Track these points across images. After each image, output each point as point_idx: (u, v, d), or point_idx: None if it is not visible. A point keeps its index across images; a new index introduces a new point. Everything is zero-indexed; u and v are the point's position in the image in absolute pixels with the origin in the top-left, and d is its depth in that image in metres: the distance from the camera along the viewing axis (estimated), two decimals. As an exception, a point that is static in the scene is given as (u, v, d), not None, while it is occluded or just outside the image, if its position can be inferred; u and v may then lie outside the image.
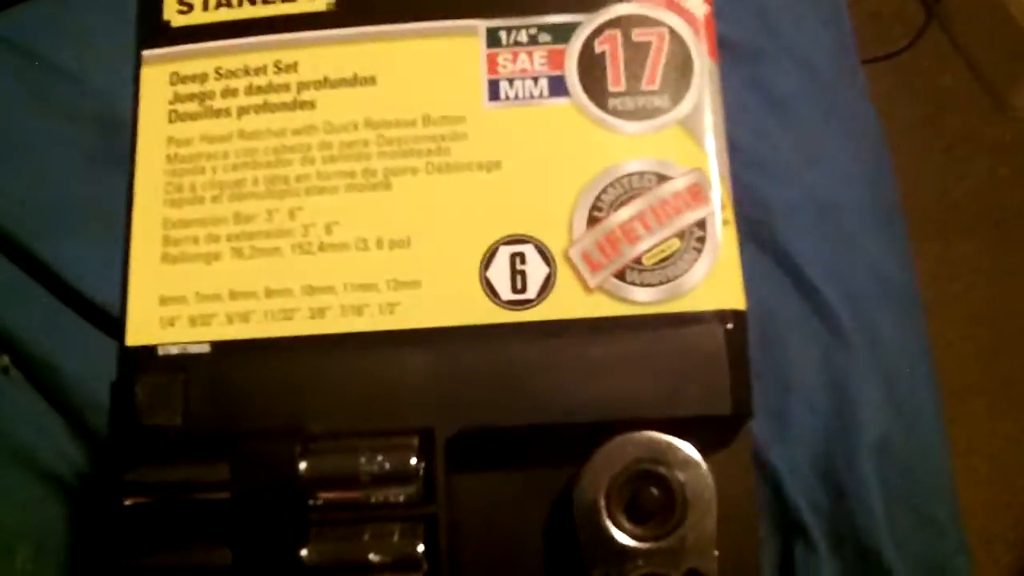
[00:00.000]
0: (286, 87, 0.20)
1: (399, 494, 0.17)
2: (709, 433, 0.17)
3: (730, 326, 0.17)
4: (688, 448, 0.16)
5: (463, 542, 0.17)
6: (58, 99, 0.21)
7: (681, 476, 0.16)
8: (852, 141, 0.24)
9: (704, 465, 0.16)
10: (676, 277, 0.18)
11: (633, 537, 0.16)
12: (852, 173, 0.23)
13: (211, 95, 0.20)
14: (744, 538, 0.17)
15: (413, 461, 0.16)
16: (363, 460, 0.16)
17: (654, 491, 0.16)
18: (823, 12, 0.25)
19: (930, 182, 0.52)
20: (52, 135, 0.21)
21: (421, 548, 0.16)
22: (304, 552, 0.16)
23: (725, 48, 0.20)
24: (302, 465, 0.17)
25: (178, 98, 0.20)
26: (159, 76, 0.20)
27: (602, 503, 0.16)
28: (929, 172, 0.53)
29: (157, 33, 0.20)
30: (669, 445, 0.16)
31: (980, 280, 0.52)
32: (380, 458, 0.16)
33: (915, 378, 0.22)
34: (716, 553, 0.16)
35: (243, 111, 0.20)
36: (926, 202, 0.52)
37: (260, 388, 0.17)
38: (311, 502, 0.17)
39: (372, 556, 0.16)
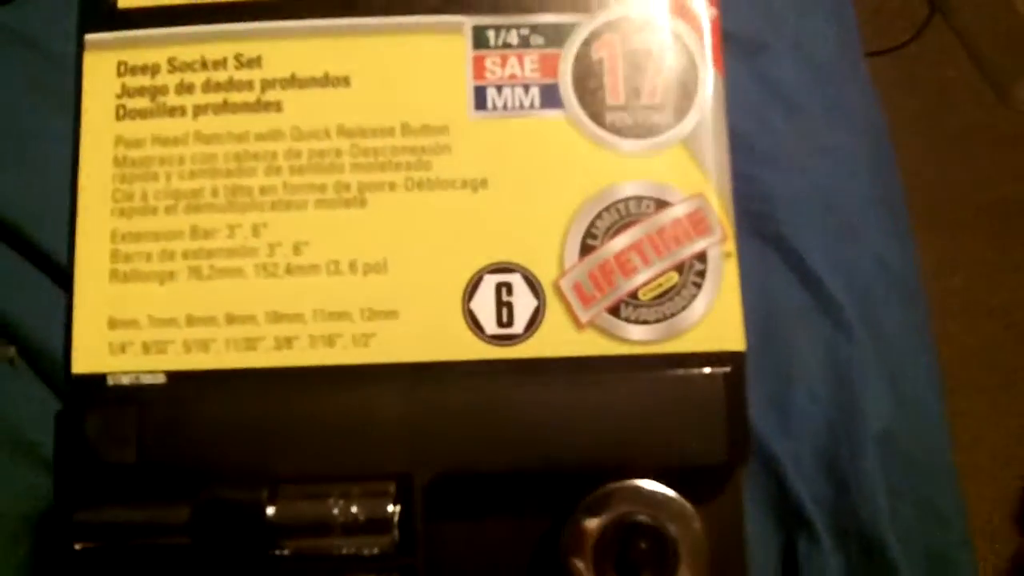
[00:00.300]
0: (249, 85, 0.18)
1: (374, 544, 0.16)
2: (701, 479, 0.16)
3: (728, 369, 0.16)
4: (680, 501, 0.15)
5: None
6: (61, 91, 0.19)
7: (673, 529, 0.15)
8: (856, 133, 0.23)
9: (697, 518, 0.15)
10: (674, 314, 0.17)
11: None
12: (856, 165, 0.23)
13: (164, 90, 0.18)
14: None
15: (390, 508, 0.15)
16: (335, 507, 0.15)
17: (644, 544, 0.15)
18: (827, 5, 0.24)
19: (933, 175, 0.52)
20: (54, 126, 0.19)
21: None
22: None
23: (729, 41, 0.19)
24: (269, 511, 0.15)
25: (126, 91, 0.18)
26: (105, 65, 0.18)
27: (590, 556, 0.15)
28: (932, 165, 0.52)
29: (102, 15, 0.18)
30: (661, 497, 0.15)
31: (983, 273, 0.52)
32: (354, 506, 0.15)
33: (918, 370, 0.22)
34: None
35: (200, 110, 0.18)
36: (929, 195, 0.51)
37: (221, 424, 0.16)
38: (279, 551, 0.16)
39: None
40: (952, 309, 0.49)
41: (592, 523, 0.15)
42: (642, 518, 0.15)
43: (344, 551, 0.16)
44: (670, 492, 0.15)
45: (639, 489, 0.16)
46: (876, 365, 0.21)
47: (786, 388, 0.20)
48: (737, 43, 0.21)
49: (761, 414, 0.18)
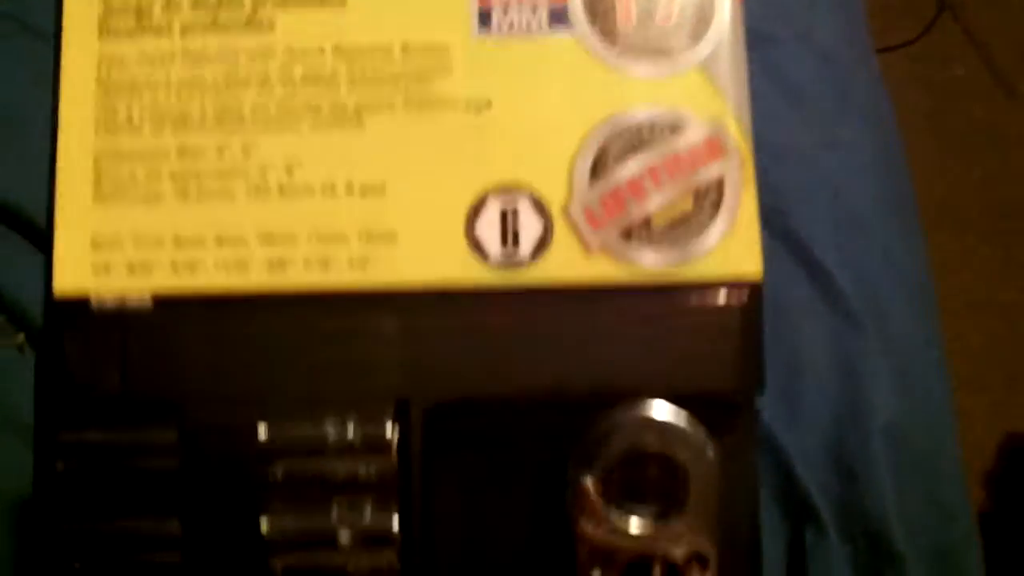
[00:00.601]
0: (239, 3, 0.17)
1: (371, 467, 0.15)
2: (713, 410, 0.15)
3: (745, 297, 0.15)
4: (693, 426, 0.15)
5: (440, 521, 0.15)
6: None
7: (684, 457, 0.14)
8: (866, 127, 0.23)
9: (710, 445, 0.15)
10: (687, 241, 0.16)
11: (631, 521, 0.15)
12: (865, 159, 0.23)
13: (149, 8, 0.17)
14: (746, 519, 0.16)
15: (387, 429, 0.15)
16: (330, 427, 0.14)
17: (654, 472, 0.14)
18: (836, -2, 0.25)
19: (941, 172, 0.52)
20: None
21: (396, 524, 0.14)
22: (264, 526, 0.14)
23: None
24: (261, 430, 0.14)
25: (109, 9, 0.17)
26: (89, -16, 0.17)
27: (598, 485, 0.14)
28: (940, 162, 0.52)
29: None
30: (672, 423, 0.15)
31: (991, 271, 0.52)
32: (350, 427, 0.14)
33: (926, 363, 0.21)
34: (719, 538, 0.15)
35: (187, 29, 0.17)
36: (937, 192, 0.51)
37: (210, 349, 0.15)
38: (271, 475, 0.15)
39: (341, 532, 0.14)
40: (959, 307, 0.48)
41: (600, 450, 0.15)
42: (652, 445, 0.14)
43: (339, 474, 0.15)
44: (683, 419, 0.15)
45: (651, 416, 0.15)
46: (884, 358, 0.21)
47: (793, 380, 0.20)
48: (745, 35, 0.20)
49: (768, 405, 0.18)
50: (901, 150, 0.24)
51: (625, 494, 0.14)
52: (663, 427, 0.15)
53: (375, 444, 0.15)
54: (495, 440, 0.15)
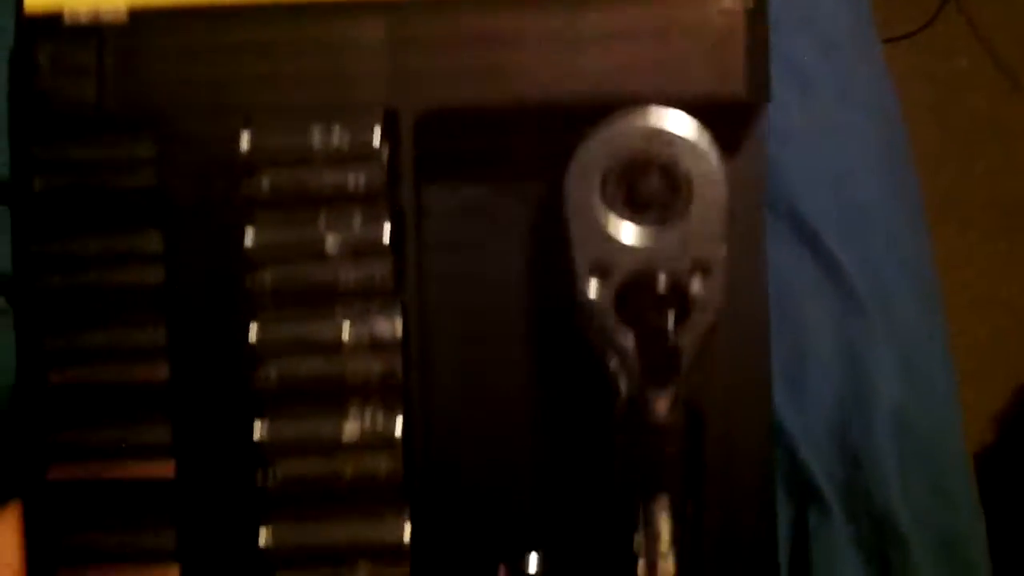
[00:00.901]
0: None
1: (359, 177, 0.14)
2: (720, 119, 0.14)
3: (751, 5, 0.14)
4: (695, 128, 0.14)
5: (433, 253, 0.14)
6: None
7: (687, 164, 0.13)
8: (869, 114, 0.23)
9: (713, 150, 0.13)
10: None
11: (632, 228, 0.14)
12: (869, 144, 0.23)
13: None
14: (752, 241, 0.14)
15: (376, 136, 0.14)
16: (317, 135, 0.14)
17: (656, 178, 0.13)
18: (841, -14, 0.25)
19: (946, 164, 0.52)
20: None
21: (387, 236, 0.14)
22: (248, 242, 0.14)
23: None
24: (243, 138, 0.14)
25: None
26: None
27: (597, 192, 0.13)
28: (945, 154, 0.52)
29: None
30: (674, 130, 0.14)
31: (995, 264, 0.52)
32: (337, 131, 0.14)
33: (930, 349, 0.22)
34: (725, 244, 0.13)
35: None
36: (941, 185, 0.51)
37: (189, 61, 0.14)
38: (254, 187, 0.14)
39: (329, 240, 0.14)
40: (963, 301, 0.48)
41: (599, 156, 0.13)
42: (653, 150, 0.13)
43: (327, 186, 0.14)
44: (685, 121, 0.13)
45: (651, 119, 0.13)
46: (887, 342, 0.21)
47: (798, 363, 0.20)
48: None
49: (774, 387, 0.18)
50: (904, 137, 0.24)
51: (626, 205, 0.13)
52: (664, 134, 0.13)
53: (363, 152, 0.14)
54: (488, 159, 0.15)
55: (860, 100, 0.23)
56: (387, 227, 0.14)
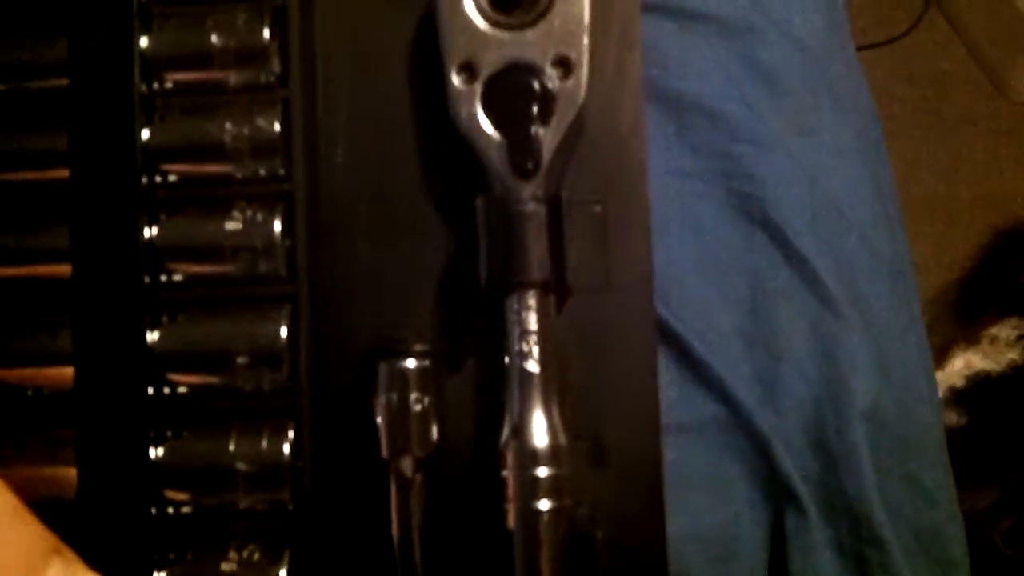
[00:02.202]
0: None
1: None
2: None
3: None
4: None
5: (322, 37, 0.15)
6: None
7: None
8: (843, 114, 0.23)
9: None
10: None
11: (497, 24, 0.14)
12: (842, 146, 0.23)
13: None
14: (625, 41, 0.15)
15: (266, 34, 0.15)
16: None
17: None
18: (814, -12, 0.25)
19: (930, 165, 0.52)
20: None
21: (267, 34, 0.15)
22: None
23: (714, 23, 0.19)
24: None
25: None
26: None
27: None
28: (929, 156, 0.52)
29: None
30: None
31: (979, 264, 0.51)
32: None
33: (905, 347, 0.21)
34: (586, 42, 0.14)
35: None
36: (926, 185, 0.51)
37: None
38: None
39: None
40: (947, 299, 0.47)
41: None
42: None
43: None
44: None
45: None
46: (863, 342, 0.20)
47: (773, 365, 0.20)
48: (722, 24, 0.21)
49: (748, 390, 0.18)
50: (880, 138, 0.24)
51: (492, 7, 0.14)
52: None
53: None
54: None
55: (833, 98, 0.23)
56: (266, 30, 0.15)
